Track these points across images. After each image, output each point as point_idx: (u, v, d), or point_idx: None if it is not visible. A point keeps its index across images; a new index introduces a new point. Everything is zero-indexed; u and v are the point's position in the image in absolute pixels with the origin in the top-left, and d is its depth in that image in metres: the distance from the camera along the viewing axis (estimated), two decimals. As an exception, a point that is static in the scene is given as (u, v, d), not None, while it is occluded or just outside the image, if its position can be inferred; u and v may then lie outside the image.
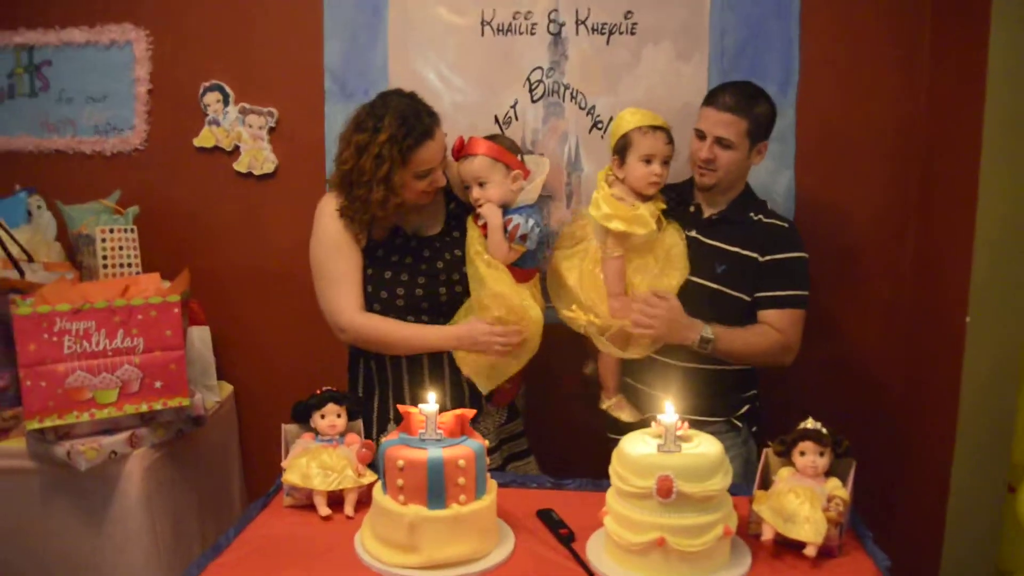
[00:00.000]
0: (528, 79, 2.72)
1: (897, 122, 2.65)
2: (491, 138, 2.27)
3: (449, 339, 2.20)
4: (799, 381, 2.54)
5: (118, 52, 2.89)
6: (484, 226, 2.20)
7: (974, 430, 2.30)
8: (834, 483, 1.74)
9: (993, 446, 2.28)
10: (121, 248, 2.65)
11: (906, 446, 2.66)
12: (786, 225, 2.30)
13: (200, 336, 2.70)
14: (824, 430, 1.74)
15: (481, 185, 2.20)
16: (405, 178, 2.12)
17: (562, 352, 2.43)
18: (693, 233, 2.31)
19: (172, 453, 2.43)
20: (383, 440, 1.72)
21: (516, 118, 2.74)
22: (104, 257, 2.63)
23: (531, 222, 2.20)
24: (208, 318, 2.82)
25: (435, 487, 1.60)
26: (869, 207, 2.70)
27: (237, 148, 2.86)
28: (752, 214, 2.30)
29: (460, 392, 2.27)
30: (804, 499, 1.68)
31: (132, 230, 2.68)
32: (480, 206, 2.21)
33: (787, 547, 1.69)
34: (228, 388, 2.92)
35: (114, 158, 2.93)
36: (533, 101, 2.73)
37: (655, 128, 2.25)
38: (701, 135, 2.25)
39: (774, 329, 2.22)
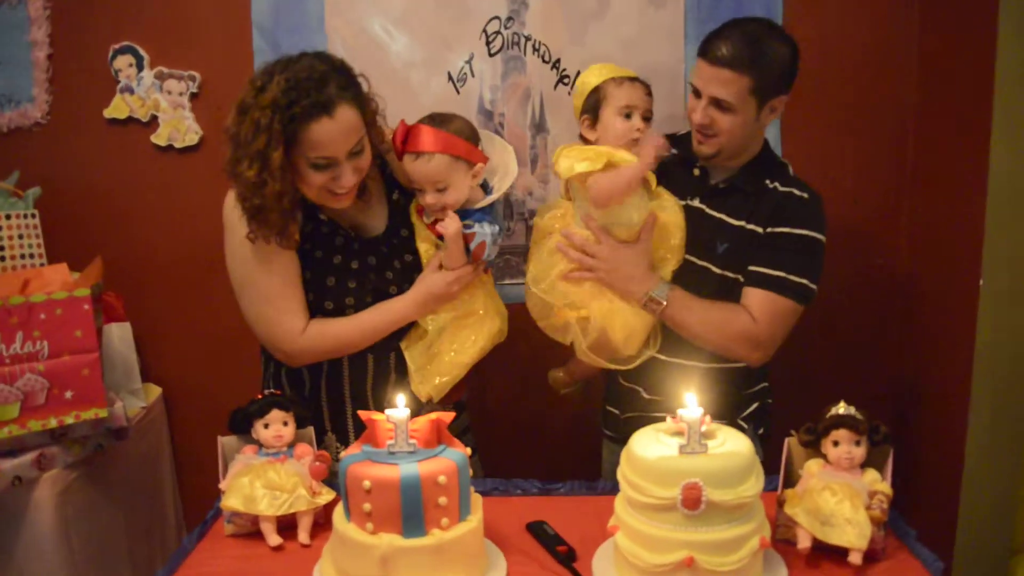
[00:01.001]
0: (484, 31, 2.42)
1: (891, 67, 2.43)
2: (442, 123, 1.79)
3: (409, 309, 1.81)
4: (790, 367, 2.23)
5: (10, 12, 2.50)
6: (433, 223, 1.81)
7: (988, 406, 2.11)
8: (873, 476, 1.51)
9: (1008, 422, 2.10)
10: (21, 237, 2.29)
11: (917, 425, 2.46)
12: (805, 196, 1.87)
13: (120, 334, 2.37)
14: (860, 415, 1.50)
15: (439, 190, 1.78)
16: (297, 164, 1.64)
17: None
18: (696, 202, 1.92)
19: (90, 473, 2.10)
20: (343, 455, 1.42)
21: (472, 75, 2.44)
22: (1, 248, 2.26)
23: (493, 230, 1.82)
24: (129, 313, 2.49)
25: (411, 511, 1.31)
26: (860, 163, 2.48)
27: (155, 119, 2.51)
28: (768, 181, 1.89)
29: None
30: (843, 497, 1.44)
31: (33, 215, 2.33)
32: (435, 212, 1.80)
33: (823, 551, 1.45)
34: (156, 391, 2.59)
35: (12, 134, 2.56)
36: (491, 55, 2.44)
37: (631, 79, 1.89)
38: (696, 92, 1.86)
39: (747, 313, 1.83)
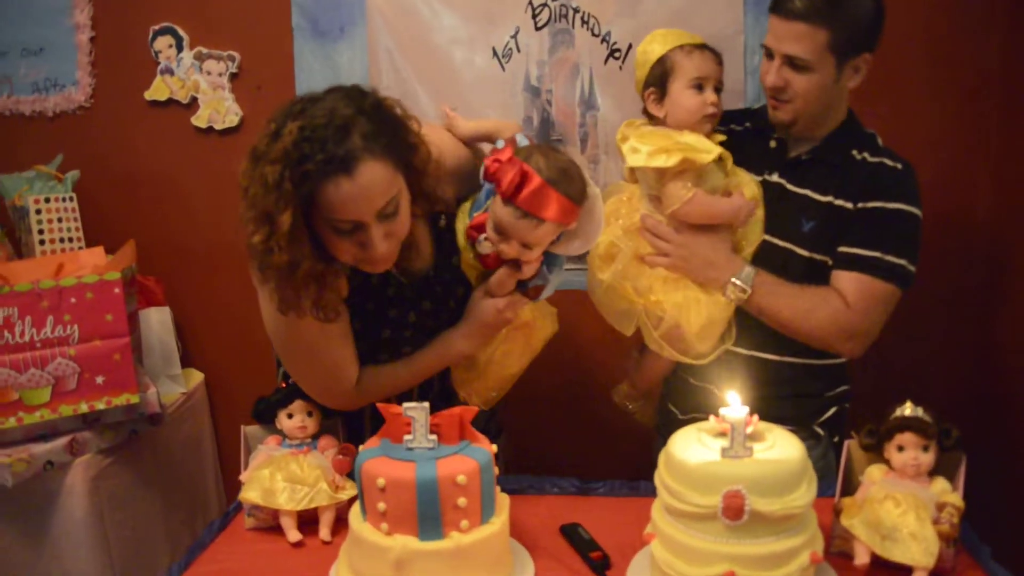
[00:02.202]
0: (530, 3, 2.32)
1: (969, 38, 2.22)
2: (567, 184, 1.47)
3: (463, 344, 1.61)
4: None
5: (53, -5, 2.50)
6: (486, 258, 1.57)
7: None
8: (942, 485, 1.35)
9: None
10: (60, 220, 2.28)
11: (994, 429, 2.26)
12: (898, 167, 1.70)
13: (159, 319, 2.35)
14: (928, 417, 1.35)
15: (526, 246, 1.52)
16: (320, 228, 1.38)
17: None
18: (775, 177, 1.75)
19: (124, 458, 2.08)
20: (362, 448, 1.34)
21: (518, 50, 2.34)
22: (40, 231, 2.25)
23: (557, 279, 1.64)
24: (170, 297, 2.48)
25: (427, 512, 1.22)
26: (933, 147, 2.27)
27: (195, 100, 2.49)
28: (856, 152, 1.71)
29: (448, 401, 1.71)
30: (907, 508, 1.30)
31: (72, 198, 2.31)
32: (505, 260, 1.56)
33: (883, 568, 1.30)
34: (197, 376, 2.57)
35: (57, 119, 2.57)
36: (537, 29, 2.33)
37: (700, 47, 1.71)
38: (769, 53, 1.69)
39: (840, 298, 1.66)
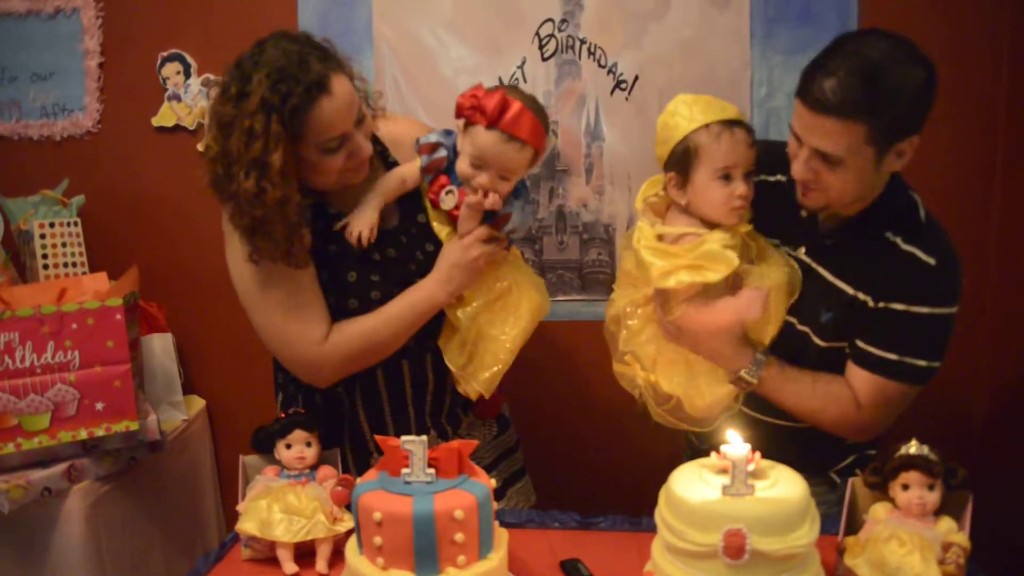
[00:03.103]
0: (537, 34, 2.32)
1: (977, 66, 2.22)
2: (538, 111, 1.59)
3: (435, 288, 1.63)
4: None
5: (65, 21, 2.53)
6: (452, 212, 1.65)
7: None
8: (948, 524, 1.32)
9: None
10: (64, 245, 2.28)
11: (1000, 468, 2.23)
12: (932, 262, 1.47)
13: (161, 345, 2.34)
14: (933, 456, 1.33)
15: (503, 178, 1.59)
16: (308, 157, 1.52)
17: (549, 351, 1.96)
18: (802, 253, 1.58)
19: (123, 486, 2.06)
20: (359, 482, 1.32)
21: (524, 80, 2.35)
22: (44, 256, 2.26)
23: (521, 203, 1.67)
24: (173, 323, 2.48)
25: (424, 548, 1.20)
26: (944, 169, 2.25)
27: (201, 126, 2.48)
28: (890, 234, 1.50)
29: (441, 401, 1.77)
30: (912, 548, 1.27)
31: (76, 223, 2.31)
32: (481, 196, 1.60)
33: (889, 610, 1.28)
34: (199, 403, 2.55)
35: (65, 143, 2.59)
36: (544, 60, 2.33)
37: (730, 124, 1.51)
38: (797, 137, 1.46)
39: (851, 394, 1.53)
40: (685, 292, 1.55)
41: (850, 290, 1.52)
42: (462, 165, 1.61)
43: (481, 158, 1.57)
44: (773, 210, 1.58)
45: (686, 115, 1.53)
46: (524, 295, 1.70)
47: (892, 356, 1.50)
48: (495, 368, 1.67)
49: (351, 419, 1.75)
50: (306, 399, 1.74)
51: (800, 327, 1.59)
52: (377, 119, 1.71)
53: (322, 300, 1.62)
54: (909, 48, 1.38)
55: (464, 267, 1.62)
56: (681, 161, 1.53)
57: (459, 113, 1.59)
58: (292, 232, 1.51)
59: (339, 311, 1.63)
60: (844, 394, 1.54)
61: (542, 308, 1.72)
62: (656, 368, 1.62)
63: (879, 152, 1.40)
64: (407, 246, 1.69)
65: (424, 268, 1.67)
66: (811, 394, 1.55)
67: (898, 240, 1.49)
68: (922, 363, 1.50)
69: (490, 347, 1.67)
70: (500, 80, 2.34)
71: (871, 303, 1.51)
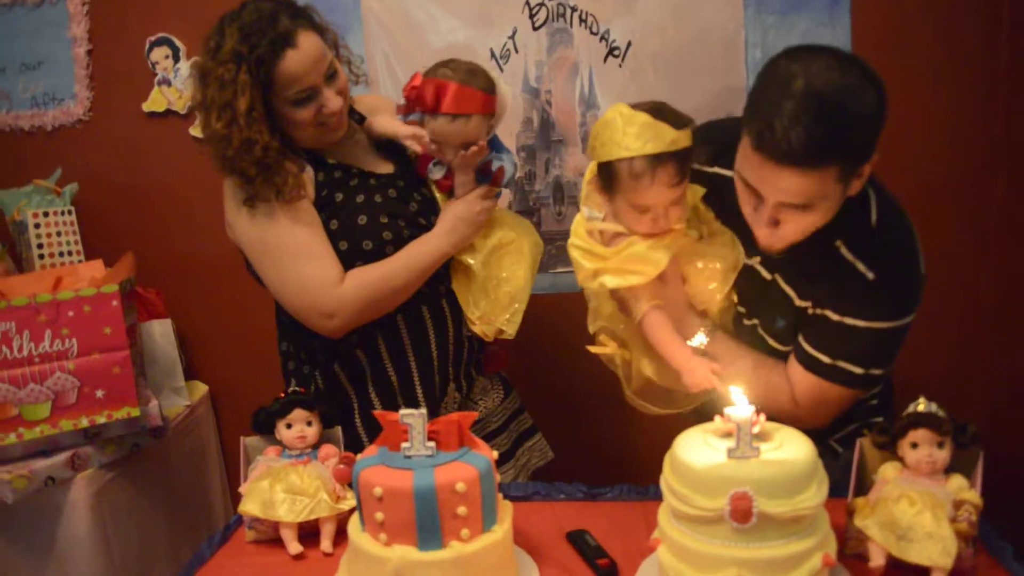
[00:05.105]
0: (527, 3, 2.28)
1: (976, 33, 2.17)
2: (472, 79, 1.66)
3: (443, 240, 1.70)
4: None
5: (51, 9, 2.51)
6: (443, 183, 1.76)
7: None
8: (959, 482, 1.30)
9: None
10: (59, 234, 2.26)
11: (1012, 423, 2.21)
12: (870, 276, 1.39)
13: (161, 331, 2.33)
14: (942, 413, 1.31)
15: (464, 148, 1.68)
16: (281, 109, 1.61)
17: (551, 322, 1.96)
18: (756, 262, 1.53)
19: (127, 473, 2.06)
20: (359, 458, 1.31)
21: (516, 51, 2.31)
22: (39, 246, 2.24)
23: (510, 157, 1.78)
24: (173, 310, 2.47)
25: (426, 522, 1.19)
26: (945, 139, 2.23)
27: (192, 110, 2.43)
28: (840, 243, 1.41)
29: (460, 351, 1.81)
30: (922, 507, 1.25)
31: (70, 212, 2.30)
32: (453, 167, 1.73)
33: (900, 569, 1.26)
34: (202, 389, 2.54)
35: (56, 132, 2.57)
36: (535, 29, 2.29)
37: (657, 160, 1.42)
38: (753, 190, 1.34)
39: (789, 391, 1.50)
40: (630, 291, 1.54)
41: (797, 298, 1.49)
42: (432, 147, 1.72)
43: (440, 139, 1.69)
44: (729, 205, 1.46)
45: (616, 137, 1.44)
46: (523, 238, 1.81)
47: (826, 359, 1.45)
48: (516, 306, 1.76)
49: (375, 376, 1.75)
50: (324, 370, 1.76)
51: (761, 332, 1.57)
52: (360, 84, 1.82)
53: (332, 249, 1.67)
54: (856, 68, 1.27)
55: (468, 220, 1.73)
56: (604, 177, 1.50)
57: (408, 108, 1.72)
58: (266, 172, 1.59)
59: (354, 256, 1.67)
60: (784, 389, 1.51)
61: (538, 245, 1.83)
62: (629, 344, 1.62)
63: (845, 185, 1.31)
64: (405, 188, 1.77)
65: (424, 210, 1.76)
66: (751, 378, 1.43)
67: (843, 248, 1.42)
68: (858, 370, 1.45)
69: (504, 288, 1.76)
70: (492, 52, 2.30)
71: (810, 309, 1.46)
